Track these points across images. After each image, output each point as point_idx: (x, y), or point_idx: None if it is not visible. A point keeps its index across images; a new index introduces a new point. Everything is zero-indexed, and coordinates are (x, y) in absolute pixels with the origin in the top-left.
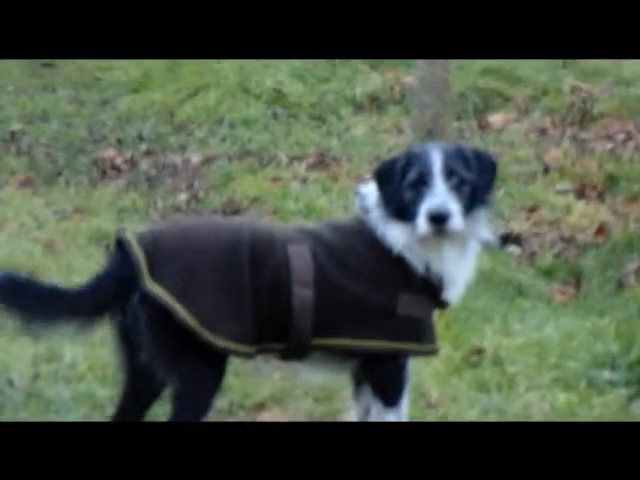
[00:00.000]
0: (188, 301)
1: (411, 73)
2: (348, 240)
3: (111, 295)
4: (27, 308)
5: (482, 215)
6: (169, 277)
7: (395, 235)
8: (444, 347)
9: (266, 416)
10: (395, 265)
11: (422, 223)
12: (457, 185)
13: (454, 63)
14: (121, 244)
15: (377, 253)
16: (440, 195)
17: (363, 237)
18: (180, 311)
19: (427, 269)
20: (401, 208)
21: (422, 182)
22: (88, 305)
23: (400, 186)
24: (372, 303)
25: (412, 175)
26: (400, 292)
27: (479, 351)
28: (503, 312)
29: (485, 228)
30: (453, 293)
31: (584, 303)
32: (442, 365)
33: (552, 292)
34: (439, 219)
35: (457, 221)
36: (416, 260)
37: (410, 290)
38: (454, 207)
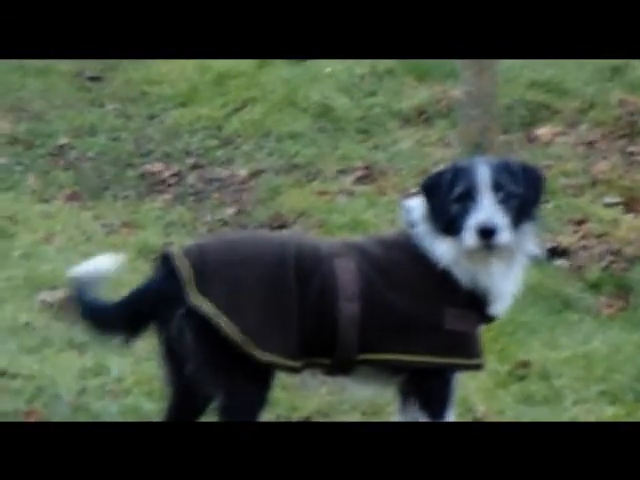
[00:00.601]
0: (234, 315)
1: (458, 86)
2: (394, 254)
3: (150, 307)
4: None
5: (530, 229)
6: (215, 291)
7: (442, 249)
8: (490, 361)
9: None
10: (441, 279)
11: (470, 237)
12: (505, 199)
13: (501, 76)
14: (167, 258)
15: (423, 267)
16: (488, 209)
17: (409, 251)
18: (226, 325)
19: (473, 283)
20: (448, 222)
21: (469, 196)
22: (127, 317)
23: (447, 200)
24: (418, 318)
25: (459, 189)
26: (446, 306)
27: (525, 364)
28: (550, 325)
29: (532, 242)
30: (499, 307)
31: (631, 316)
32: (488, 379)
33: (599, 305)
34: (487, 233)
35: (505, 235)
36: (462, 274)
37: (456, 304)
38: (502, 221)
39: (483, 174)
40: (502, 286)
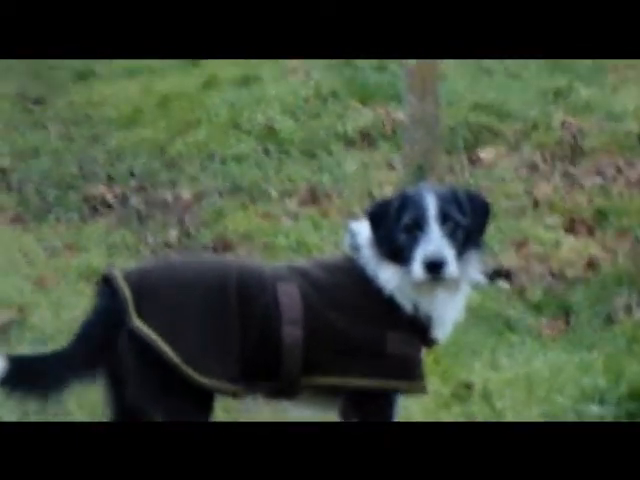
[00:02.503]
0: (174, 339)
1: (402, 109)
2: (338, 278)
3: (101, 339)
4: (31, 387)
5: (474, 257)
6: (155, 315)
7: (386, 275)
8: (433, 382)
9: None
10: (384, 304)
11: (417, 269)
12: (452, 231)
13: (444, 98)
14: (108, 280)
15: (367, 292)
16: (435, 241)
17: (353, 276)
18: (165, 349)
19: (416, 309)
20: (395, 250)
21: (417, 227)
22: (86, 358)
23: (395, 229)
24: (361, 342)
25: (407, 219)
26: (389, 331)
27: (468, 386)
28: (492, 346)
29: (476, 269)
30: (441, 332)
31: (573, 337)
32: (431, 400)
33: (541, 326)
34: (435, 266)
35: (452, 268)
36: (406, 301)
37: (399, 329)
38: (449, 253)
39: (431, 204)
40: (445, 313)
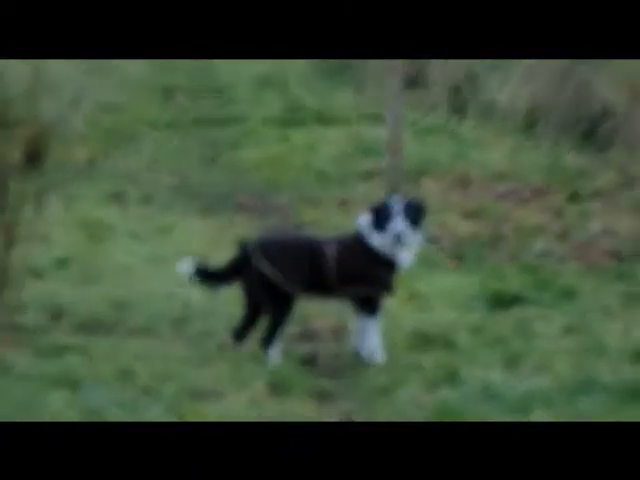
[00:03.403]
0: (277, 268)
1: (384, 160)
2: (352, 241)
3: (239, 266)
4: (204, 280)
5: (418, 234)
6: (268, 256)
7: (376, 241)
8: (398, 290)
9: (315, 322)
10: (375, 254)
11: (389, 240)
12: (407, 219)
13: (405, 154)
14: (245, 243)
15: (366, 248)
16: (400, 224)
17: (360, 241)
18: (273, 274)
19: (391, 256)
20: (381, 228)
21: (389, 217)
22: (230, 273)
23: (382, 217)
24: (365, 271)
25: (387, 213)
26: (377, 266)
27: (415, 292)
28: (427, 274)
29: (419, 241)
30: (402, 267)
31: (464, 269)
32: (399, 299)
33: (447, 263)
34: (398, 237)
35: (407, 238)
36: (386, 252)
37: (382, 264)
38: (407, 232)
39: (399, 206)
40: (404, 260)
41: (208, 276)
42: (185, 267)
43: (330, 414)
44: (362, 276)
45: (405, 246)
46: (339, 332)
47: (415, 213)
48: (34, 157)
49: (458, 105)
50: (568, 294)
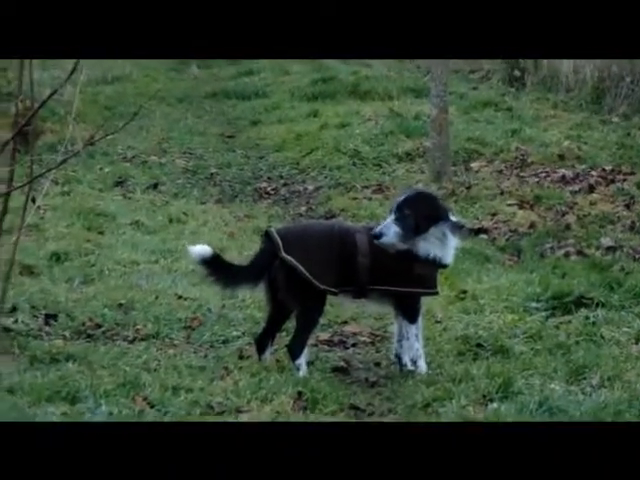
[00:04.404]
0: (304, 263)
1: (427, 140)
2: None
3: (264, 264)
4: (220, 279)
5: (441, 227)
6: (294, 250)
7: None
8: (443, 289)
9: (348, 328)
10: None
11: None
12: (400, 218)
13: (452, 134)
14: (268, 234)
15: None
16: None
17: None
18: (300, 269)
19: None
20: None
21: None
22: (255, 273)
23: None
24: (400, 266)
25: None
26: (417, 260)
27: (464, 292)
28: (478, 270)
29: (449, 232)
30: (446, 261)
31: (521, 266)
32: (442, 299)
33: (504, 259)
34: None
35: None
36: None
37: (419, 260)
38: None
39: (395, 203)
40: (446, 255)
41: (226, 274)
42: (198, 253)
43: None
44: (399, 272)
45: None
46: (375, 338)
47: (413, 209)
48: (24, 136)
49: (514, 76)
50: None
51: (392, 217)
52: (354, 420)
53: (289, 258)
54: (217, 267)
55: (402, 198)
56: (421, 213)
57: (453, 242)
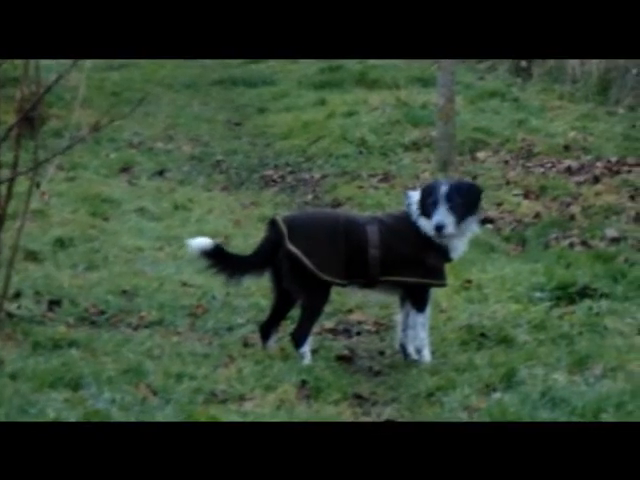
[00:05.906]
0: (309, 253)
1: (434, 129)
2: (399, 223)
3: (269, 253)
4: (224, 268)
5: (472, 220)
6: (299, 241)
7: (423, 225)
8: (449, 279)
9: (353, 316)
10: (424, 238)
11: (431, 229)
12: (452, 207)
13: (458, 124)
14: (273, 222)
15: (414, 231)
16: (441, 213)
17: (407, 222)
18: (305, 260)
19: (440, 242)
20: (426, 213)
21: (435, 203)
22: (259, 262)
23: (427, 202)
24: (412, 258)
25: (431, 198)
26: (427, 252)
27: (469, 281)
28: (482, 260)
29: (474, 226)
30: (455, 255)
31: (526, 255)
32: (449, 289)
33: (509, 249)
34: (439, 228)
35: (450, 229)
36: (435, 237)
37: (432, 251)
38: (449, 221)
39: (443, 191)
40: (456, 247)
41: (231, 264)
42: (198, 247)
43: (368, 420)
44: (409, 263)
45: (449, 237)
46: (380, 327)
47: (465, 198)
48: (30, 121)
49: (521, 67)
50: None
51: (444, 206)
52: (358, 409)
53: (294, 250)
54: (220, 258)
55: (449, 187)
56: (467, 202)
57: (469, 236)
